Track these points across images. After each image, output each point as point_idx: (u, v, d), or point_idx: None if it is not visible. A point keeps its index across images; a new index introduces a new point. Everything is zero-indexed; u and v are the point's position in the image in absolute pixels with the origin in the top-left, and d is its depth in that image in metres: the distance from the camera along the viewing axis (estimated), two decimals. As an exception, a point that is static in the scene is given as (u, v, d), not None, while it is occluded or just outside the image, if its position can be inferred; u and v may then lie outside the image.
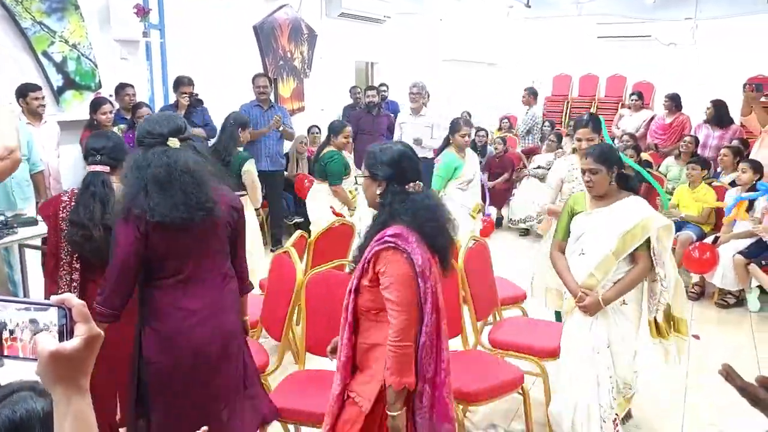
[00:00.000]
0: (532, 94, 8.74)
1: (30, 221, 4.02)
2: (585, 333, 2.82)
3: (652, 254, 2.76)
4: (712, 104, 6.82)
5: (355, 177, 5.28)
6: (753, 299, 4.94)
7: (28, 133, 4.50)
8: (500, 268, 4.02)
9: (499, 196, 7.53)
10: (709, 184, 5.75)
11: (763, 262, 4.78)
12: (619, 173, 2.88)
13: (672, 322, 2.95)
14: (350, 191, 5.18)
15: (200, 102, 5.67)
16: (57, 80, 5.06)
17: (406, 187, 2.10)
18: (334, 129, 5.12)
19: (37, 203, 4.60)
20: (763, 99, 7.14)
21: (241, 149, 4.52)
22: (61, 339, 0.90)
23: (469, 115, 8.21)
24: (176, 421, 2.28)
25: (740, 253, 4.86)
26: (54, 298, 0.92)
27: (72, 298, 0.92)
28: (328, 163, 4.95)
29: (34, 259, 4.49)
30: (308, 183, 6.50)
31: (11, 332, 0.92)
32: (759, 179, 5.02)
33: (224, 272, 2.36)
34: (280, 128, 6.07)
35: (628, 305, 2.84)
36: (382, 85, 8.49)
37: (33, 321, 0.91)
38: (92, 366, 0.93)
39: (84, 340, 0.90)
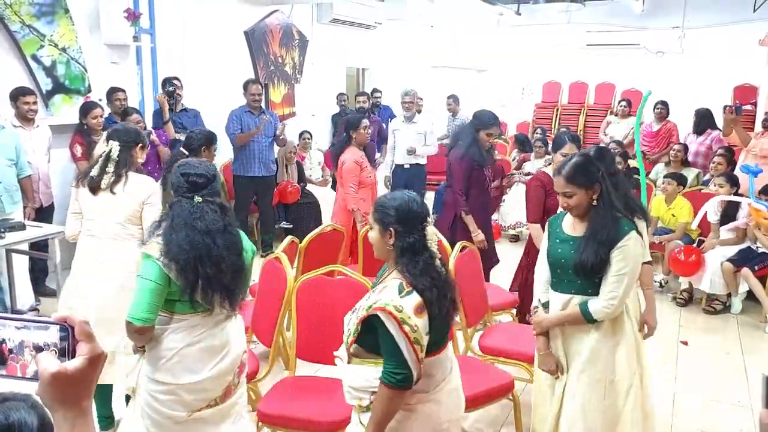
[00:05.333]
0: (455, 101, 8.18)
1: (18, 226, 3.99)
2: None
3: None
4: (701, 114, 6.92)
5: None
6: (737, 302, 5.03)
7: (16, 136, 4.47)
8: (491, 273, 4.04)
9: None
10: (699, 190, 5.81)
11: (756, 268, 4.86)
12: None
13: None
14: None
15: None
16: (46, 84, 5.03)
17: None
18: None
19: (24, 208, 4.56)
20: (748, 108, 7.23)
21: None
22: (62, 358, 0.87)
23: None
24: None
25: (729, 260, 4.93)
26: (56, 316, 0.88)
27: (74, 317, 0.88)
28: None
29: (21, 265, 4.46)
30: (291, 188, 6.51)
31: (10, 351, 0.88)
32: (736, 192, 5.09)
33: None
34: (281, 135, 6.14)
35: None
36: (375, 91, 8.51)
37: (23, 342, 0.88)
38: (94, 387, 0.89)
39: (87, 360, 0.87)
